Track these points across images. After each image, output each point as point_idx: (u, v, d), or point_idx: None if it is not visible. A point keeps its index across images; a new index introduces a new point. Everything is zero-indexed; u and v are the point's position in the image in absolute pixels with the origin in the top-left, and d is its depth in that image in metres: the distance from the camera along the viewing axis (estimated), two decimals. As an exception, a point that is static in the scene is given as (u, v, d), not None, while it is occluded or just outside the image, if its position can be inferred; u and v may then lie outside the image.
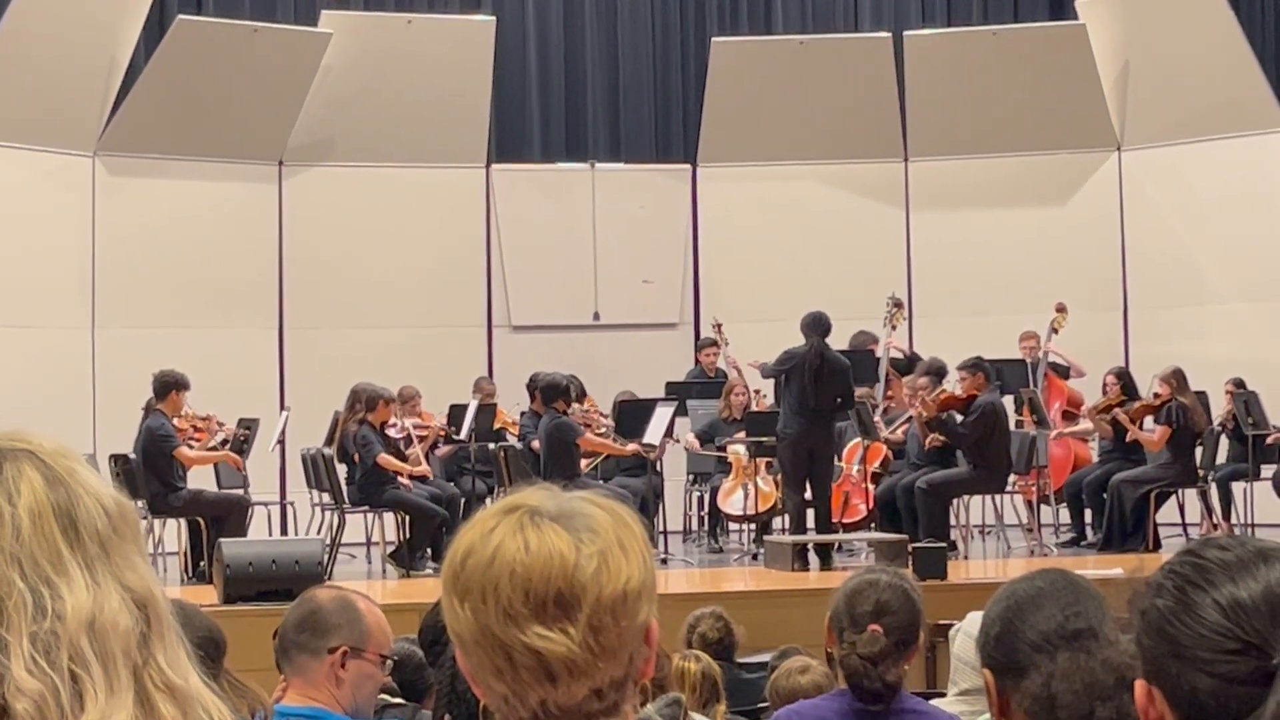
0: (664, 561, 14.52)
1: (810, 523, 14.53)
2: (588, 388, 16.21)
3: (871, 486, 15.17)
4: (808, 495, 14.42)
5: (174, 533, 14.22)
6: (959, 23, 19.89)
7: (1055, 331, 16.71)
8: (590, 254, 19.03)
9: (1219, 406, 15.96)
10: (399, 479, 14.38)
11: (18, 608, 1.65)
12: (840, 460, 15.64)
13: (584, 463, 15.26)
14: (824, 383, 14.22)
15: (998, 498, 15.33)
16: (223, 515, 13.82)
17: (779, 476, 15.06)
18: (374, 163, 18.58)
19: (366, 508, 14.47)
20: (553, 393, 14.87)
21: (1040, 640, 3.05)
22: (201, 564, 13.43)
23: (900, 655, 4.36)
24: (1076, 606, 3.10)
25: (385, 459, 14.25)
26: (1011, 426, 15.19)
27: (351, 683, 4.21)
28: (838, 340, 16.35)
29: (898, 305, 16.95)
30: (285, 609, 4.40)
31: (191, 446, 14.10)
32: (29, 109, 16.93)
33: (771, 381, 15.79)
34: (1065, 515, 15.99)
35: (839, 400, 14.35)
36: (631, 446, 15.10)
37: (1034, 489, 15.44)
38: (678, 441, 16.30)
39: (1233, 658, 1.67)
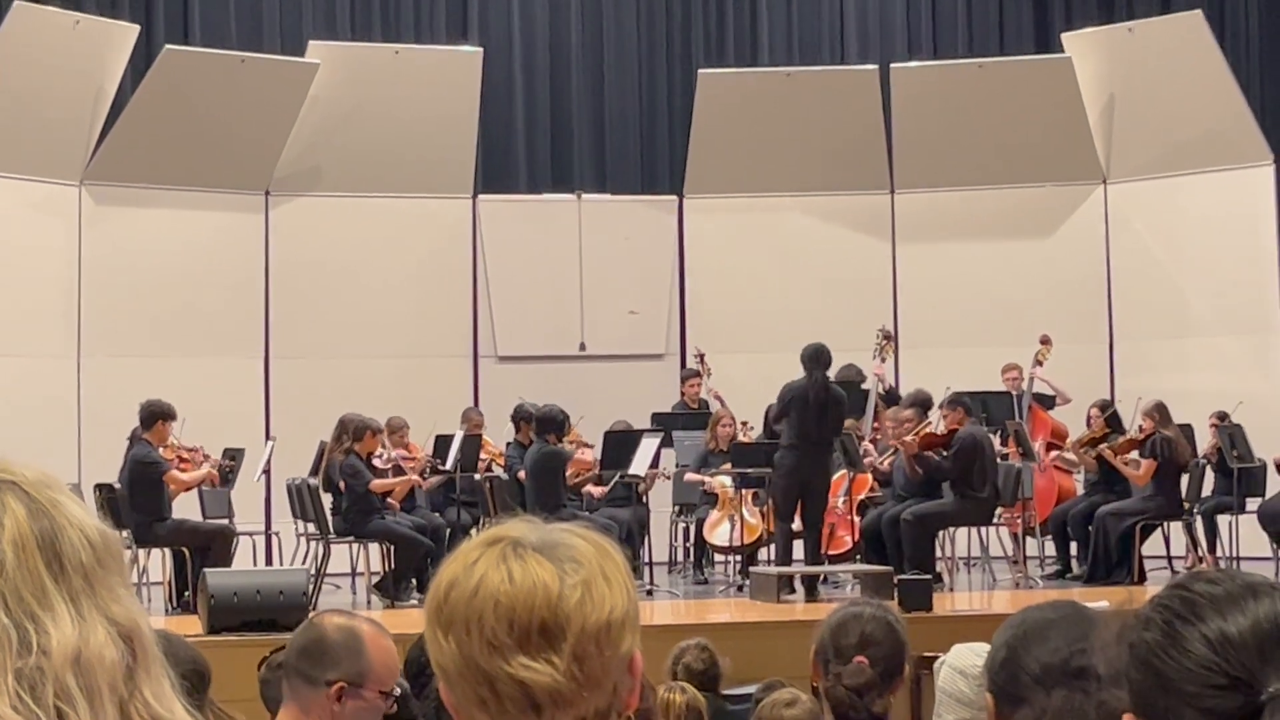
0: (649, 593, 14.49)
1: (798, 554, 14.55)
2: (573, 419, 16.21)
3: (857, 518, 15.17)
4: (796, 527, 14.43)
5: (159, 562, 14.18)
6: (945, 56, 19.94)
7: (1040, 363, 16.73)
8: (576, 285, 19.04)
9: (1204, 439, 15.98)
10: (385, 509, 14.37)
11: (2, 644, 1.63)
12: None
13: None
14: (828, 416, 14.29)
15: (983, 530, 15.32)
16: (207, 545, 13.78)
17: (765, 508, 15.05)
18: (360, 193, 18.59)
19: (352, 538, 14.45)
20: (548, 425, 14.91)
21: (1041, 672, 3.05)
22: (186, 594, 13.39)
23: (886, 687, 4.36)
24: (1083, 642, 3.09)
25: (378, 483, 14.27)
26: (997, 459, 15.18)
27: (348, 719, 4.11)
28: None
29: (887, 338, 16.97)
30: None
31: (177, 475, 14.10)
32: (16, 138, 16.93)
33: (760, 413, 15.80)
34: (1051, 548, 15.99)
35: (834, 429, 14.45)
36: (599, 490, 15.20)
37: (1019, 521, 15.43)
38: (668, 478, 16.30)
39: (1220, 692, 1.66)
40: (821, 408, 14.26)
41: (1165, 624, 1.72)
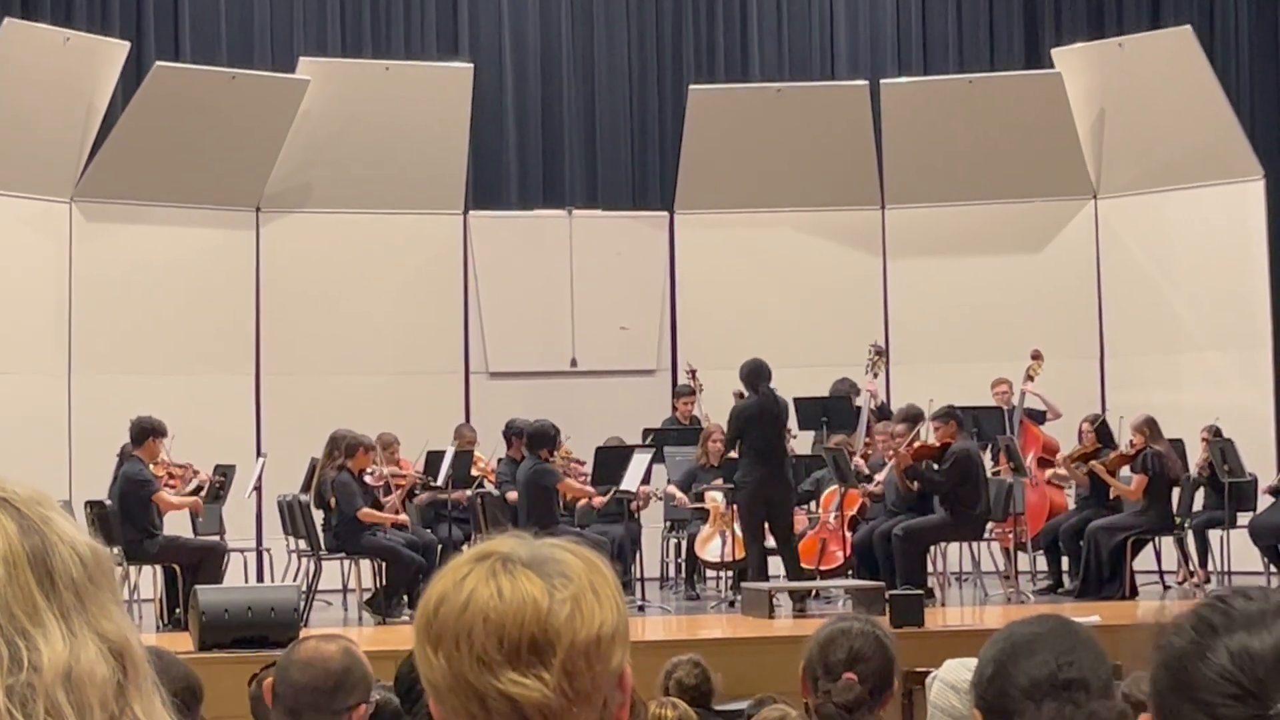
0: (641, 608, 14.48)
1: (773, 570, 14.59)
2: (564, 434, 16.21)
3: (849, 533, 15.17)
4: (768, 544, 14.47)
5: (150, 579, 14.18)
6: (935, 71, 19.96)
7: (1031, 379, 16.75)
8: (567, 300, 19.05)
9: (1195, 454, 15.99)
10: (377, 525, 14.36)
11: (-7, 660, 1.64)
12: (818, 507, 15.66)
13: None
14: (777, 430, 14.39)
15: (975, 545, 15.32)
16: (199, 562, 13.77)
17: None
18: (351, 209, 18.59)
19: (343, 554, 14.44)
20: (540, 440, 14.90)
21: (1031, 686, 3.06)
22: (177, 611, 13.38)
23: (875, 703, 4.36)
24: (1071, 656, 3.10)
25: (367, 513, 14.24)
26: (988, 474, 15.20)
27: None
28: (819, 387, 16.40)
29: (879, 353, 16.99)
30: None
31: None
32: (6, 155, 16.91)
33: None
34: (1042, 562, 16.00)
35: (785, 439, 14.59)
36: (599, 500, 15.13)
37: (1011, 536, 15.44)
38: (661, 499, 16.28)
39: (1232, 702, 1.69)
40: (774, 422, 14.34)
41: (1195, 632, 1.75)
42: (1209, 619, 1.76)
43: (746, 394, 14.62)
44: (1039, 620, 3.24)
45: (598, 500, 15.21)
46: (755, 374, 14.51)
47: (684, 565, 16.44)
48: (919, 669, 6.79)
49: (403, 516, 14.77)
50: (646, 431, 16.82)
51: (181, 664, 4.91)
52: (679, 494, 16.14)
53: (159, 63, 17.88)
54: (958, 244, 19.03)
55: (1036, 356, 16.76)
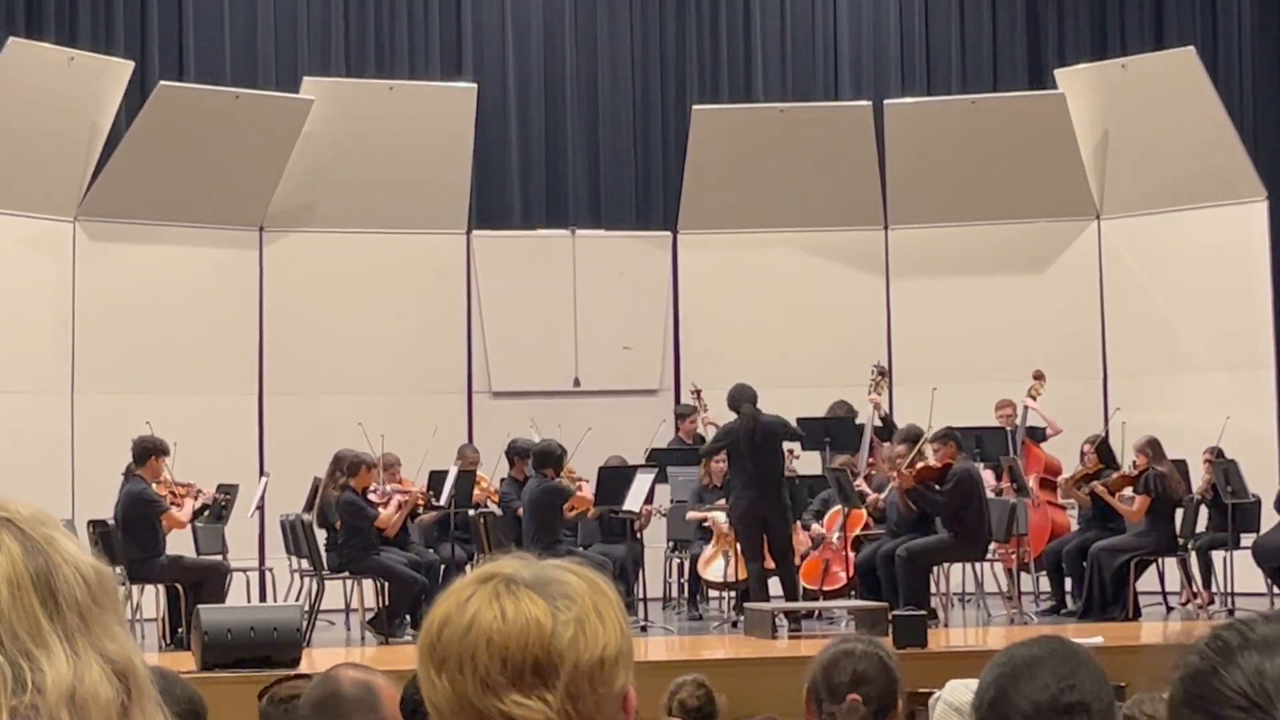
0: (644, 629, 14.48)
1: (774, 590, 14.58)
2: (567, 454, 16.21)
3: (852, 554, 15.16)
4: (768, 564, 14.47)
5: (152, 599, 14.17)
6: (939, 92, 19.97)
7: (1033, 398, 16.75)
8: (570, 320, 19.05)
9: (1198, 475, 15.98)
10: (382, 544, 14.36)
11: (-3, 682, 1.63)
12: (821, 527, 15.65)
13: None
14: (764, 451, 14.35)
15: (978, 565, 15.32)
16: (201, 581, 13.77)
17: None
18: (355, 228, 18.60)
19: (346, 574, 14.44)
20: (545, 459, 14.91)
21: (1032, 710, 3.05)
22: (180, 630, 13.38)
23: (879, 724, 4.36)
24: (1072, 679, 3.09)
25: (386, 516, 14.31)
26: (991, 494, 15.18)
27: None
28: (821, 408, 16.36)
29: (882, 373, 16.97)
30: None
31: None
32: (10, 174, 16.93)
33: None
34: (1045, 583, 15.98)
35: (779, 460, 14.53)
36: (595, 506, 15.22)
37: (1014, 557, 15.43)
38: (664, 515, 16.28)
39: (1239, 714, 1.71)
40: (753, 444, 14.33)
41: (1213, 651, 1.78)
42: (1227, 639, 1.79)
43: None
44: (1039, 642, 3.23)
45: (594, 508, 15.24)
46: (736, 397, 14.56)
47: (687, 586, 16.43)
48: (922, 690, 6.78)
49: (420, 499, 14.85)
50: (649, 451, 16.82)
51: (185, 684, 4.89)
52: (707, 514, 16.09)
53: (163, 82, 17.90)
54: (961, 264, 19.03)
55: (1039, 377, 16.75)
